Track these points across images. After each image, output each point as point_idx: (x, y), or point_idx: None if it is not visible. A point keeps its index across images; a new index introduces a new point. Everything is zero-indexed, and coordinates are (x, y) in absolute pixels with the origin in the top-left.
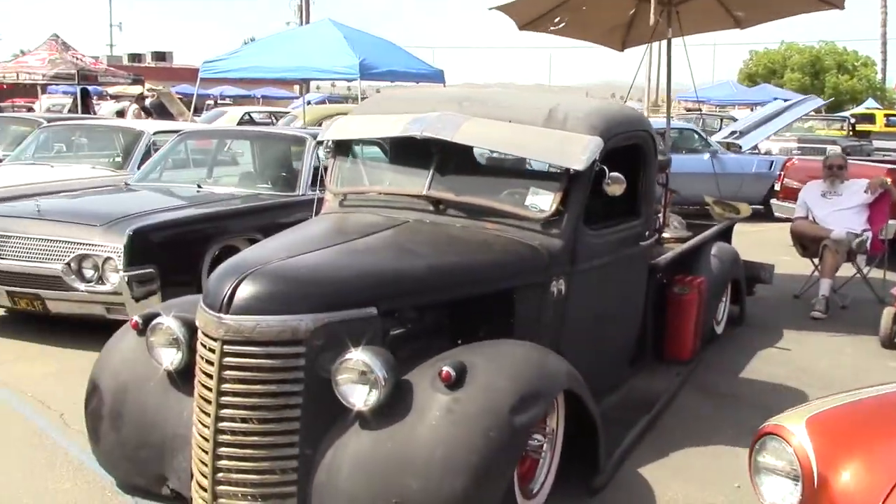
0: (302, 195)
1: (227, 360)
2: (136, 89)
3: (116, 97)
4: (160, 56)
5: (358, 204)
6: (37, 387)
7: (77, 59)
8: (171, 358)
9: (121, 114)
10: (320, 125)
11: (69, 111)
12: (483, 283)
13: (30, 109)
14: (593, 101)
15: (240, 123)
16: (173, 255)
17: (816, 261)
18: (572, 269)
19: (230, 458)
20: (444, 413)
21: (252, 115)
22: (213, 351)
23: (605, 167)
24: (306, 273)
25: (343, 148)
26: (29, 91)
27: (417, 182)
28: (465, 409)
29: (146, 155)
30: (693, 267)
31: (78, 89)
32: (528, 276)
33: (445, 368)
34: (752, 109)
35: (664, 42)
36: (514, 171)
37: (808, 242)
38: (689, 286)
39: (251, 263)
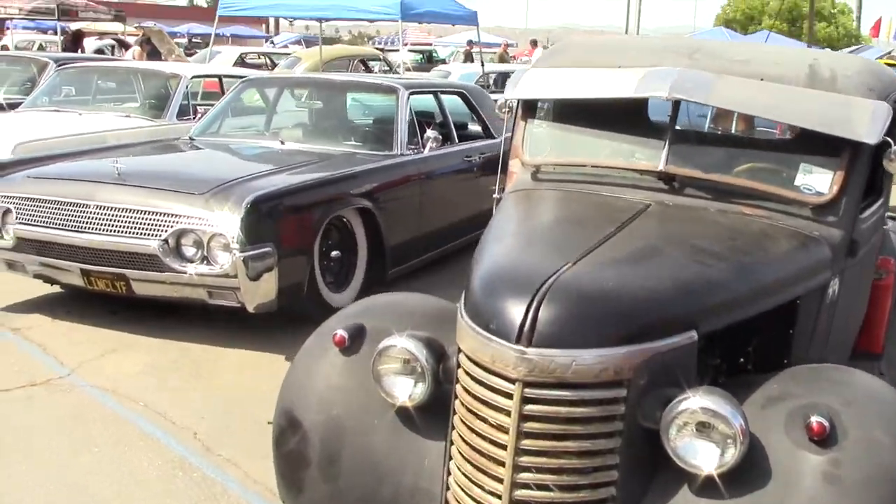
0: (400, 155)
1: (530, 407)
2: (113, 26)
3: (79, 33)
4: None
5: (556, 178)
6: (143, 392)
7: None
8: (408, 390)
9: (100, 52)
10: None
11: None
12: (782, 288)
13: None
14: (848, 55)
15: (235, 65)
16: (289, 229)
17: None
18: (846, 264)
19: None
20: (822, 481)
21: (244, 56)
22: (506, 395)
23: (889, 139)
24: (616, 288)
25: (533, 108)
26: None
27: (647, 153)
28: (850, 476)
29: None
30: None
31: (58, 26)
32: (815, 277)
33: (815, 419)
34: None
35: None
36: (769, 142)
37: None
38: (886, 269)
39: (534, 274)
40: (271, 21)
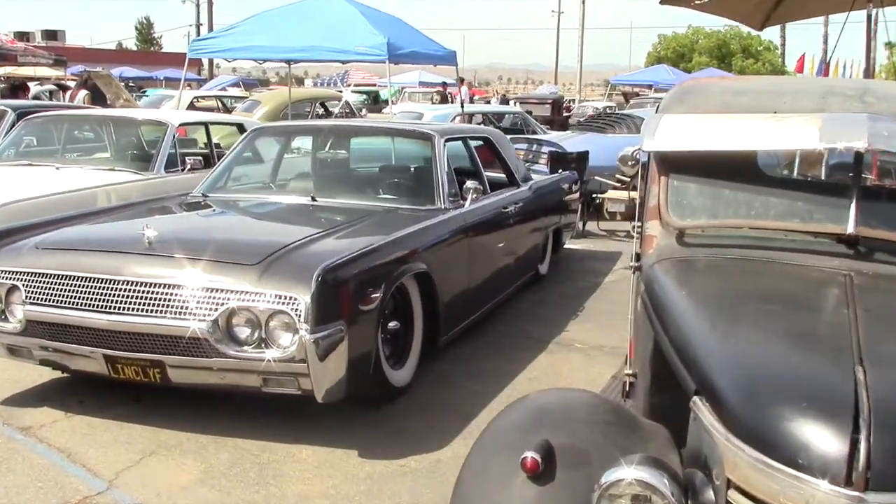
0: (444, 209)
1: None
2: (46, 72)
3: (20, 82)
4: (51, 35)
5: (709, 243)
6: None
7: None
8: None
9: (36, 98)
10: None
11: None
12: None
13: None
14: None
15: (188, 109)
16: (356, 302)
17: None
18: None
19: None
20: None
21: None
22: None
23: None
24: None
25: (674, 163)
26: None
27: (825, 213)
28: None
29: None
30: None
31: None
32: None
33: None
34: None
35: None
36: None
37: None
38: None
39: (831, 387)
40: (205, 62)
